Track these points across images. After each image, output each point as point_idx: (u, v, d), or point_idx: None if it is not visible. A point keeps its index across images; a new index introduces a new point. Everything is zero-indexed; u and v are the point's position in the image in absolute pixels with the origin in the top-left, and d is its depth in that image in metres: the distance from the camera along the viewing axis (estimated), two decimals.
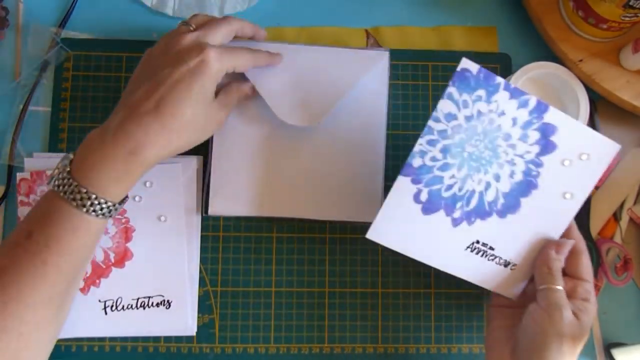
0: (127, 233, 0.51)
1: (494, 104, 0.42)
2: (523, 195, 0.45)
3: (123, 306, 0.50)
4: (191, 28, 0.45)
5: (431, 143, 0.43)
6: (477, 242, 0.46)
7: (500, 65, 0.57)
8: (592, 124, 0.56)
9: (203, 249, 0.52)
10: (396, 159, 0.54)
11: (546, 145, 0.44)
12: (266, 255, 0.53)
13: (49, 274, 0.40)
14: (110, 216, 0.42)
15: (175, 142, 0.43)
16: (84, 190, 0.40)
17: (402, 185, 0.44)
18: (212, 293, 0.52)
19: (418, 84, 0.56)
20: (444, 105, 0.42)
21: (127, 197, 0.44)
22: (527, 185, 0.45)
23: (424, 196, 0.44)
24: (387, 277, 0.53)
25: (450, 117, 0.42)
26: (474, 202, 0.45)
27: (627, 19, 0.50)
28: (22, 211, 0.50)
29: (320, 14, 0.57)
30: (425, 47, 0.57)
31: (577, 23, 0.53)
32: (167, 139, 0.42)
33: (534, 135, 0.43)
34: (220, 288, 0.52)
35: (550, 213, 0.45)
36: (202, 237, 0.52)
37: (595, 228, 0.54)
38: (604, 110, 0.56)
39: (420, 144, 0.43)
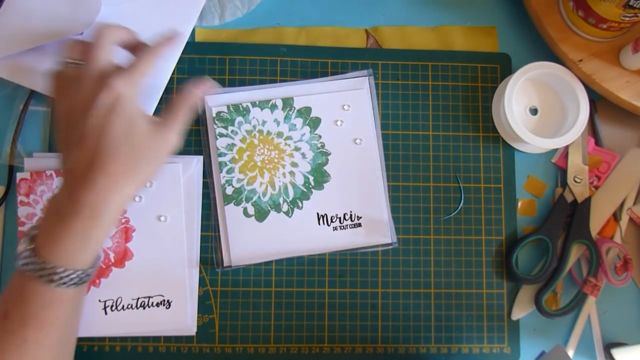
0: (127, 233, 0.51)
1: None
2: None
3: (123, 306, 0.50)
4: (78, 64, 0.43)
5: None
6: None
7: (500, 65, 0.57)
8: (592, 124, 0.56)
9: (203, 249, 0.52)
10: (396, 159, 0.54)
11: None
12: None
13: (31, 349, 0.39)
14: (84, 282, 0.42)
15: (130, 185, 0.41)
16: (50, 266, 0.39)
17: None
18: (212, 293, 0.52)
19: (418, 84, 0.56)
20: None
21: (100, 257, 0.42)
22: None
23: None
24: (387, 277, 0.53)
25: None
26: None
27: (627, 19, 0.50)
28: (22, 211, 0.50)
29: (320, 14, 0.57)
30: (425, 47, 0.57)
31: (577, 23, 0.53)
32: (120, 187, 0.41)
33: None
34: (220, 288, 0.52)
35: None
36: (202, 237, 0.52)
37: (595, 228, 0.54)
38: (603, 110, 0.56)
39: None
